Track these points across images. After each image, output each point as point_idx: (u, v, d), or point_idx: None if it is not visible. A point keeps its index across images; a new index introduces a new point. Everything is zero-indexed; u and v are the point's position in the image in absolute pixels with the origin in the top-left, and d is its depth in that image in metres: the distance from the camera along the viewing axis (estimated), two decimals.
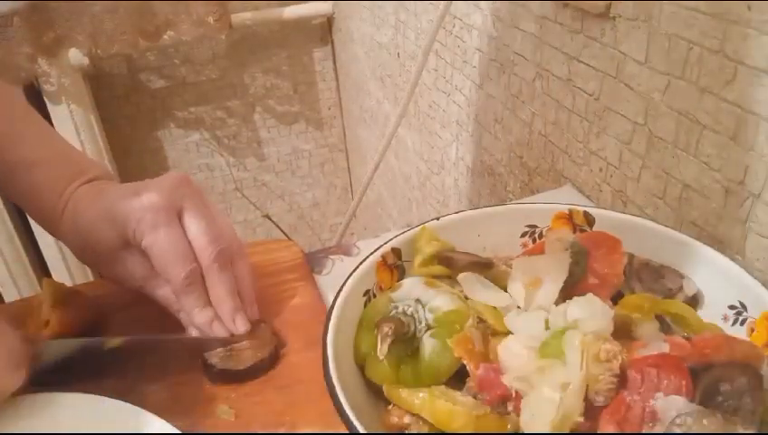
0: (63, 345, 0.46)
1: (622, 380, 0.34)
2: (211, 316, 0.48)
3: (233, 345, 0.48)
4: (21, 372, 0.40)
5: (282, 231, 1.82)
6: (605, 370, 0.34)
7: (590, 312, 0.37)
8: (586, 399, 0.34)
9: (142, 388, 0.47)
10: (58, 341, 0.46)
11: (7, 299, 1.37)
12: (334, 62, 1.69)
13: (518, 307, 0.41)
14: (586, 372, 0.34)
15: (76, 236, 0.50)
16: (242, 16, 1.48)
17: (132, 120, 1.59)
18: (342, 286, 0.42)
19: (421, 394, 0.37)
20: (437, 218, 0.48)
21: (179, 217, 0.48)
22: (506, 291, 0.43)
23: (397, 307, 0.41)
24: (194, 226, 0.47)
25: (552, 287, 0.41)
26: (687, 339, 0.37)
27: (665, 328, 0.40)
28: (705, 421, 0.31)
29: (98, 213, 0.48)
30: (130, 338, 0.48)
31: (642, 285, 0.43)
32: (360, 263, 0.44)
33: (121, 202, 0.47)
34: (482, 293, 0.42)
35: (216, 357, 0.47)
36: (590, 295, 0.39)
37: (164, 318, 0.52)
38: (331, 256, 0.60)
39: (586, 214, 0.48)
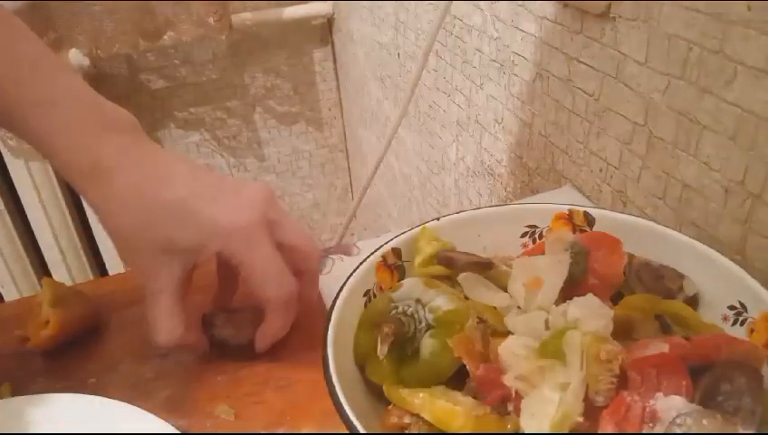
0: None
1: (622, 380, 0.34)
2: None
3: (236, 315, 0.48)
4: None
5: None
6: (605, 370, 0.34)
7: (590, 312, 0.37)
8: (586, 399, 0.34)
9: (142, 388, 0.47)
10: None
11: (7, 299, 1.37)
12: (334, 63, 1.69)
13: (518, 307, 0.41)
14: (586, 372, 0.34)
15: (125, 217, 0.43)
16: (242, 17, 1.48)
17: None
18: (342, 286, 0.42)
19: (421, 394, 0.37)
20: (437, 218, 0.48)
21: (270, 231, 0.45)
22: (506, 291, 0.43)
23: (397, 307, 0.41)
24: (292, 236, 0.46)
25: (552, 287, 0.41)
26: (687, 339, 0.37)
27: (665, 328, 0.40)
28: (704, 422, 0.31)
29: (169, 207, 0.43)
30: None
31: (642, 285, 0.43)
32: (360, 263, 0.44)
33: (208, 210, 0.43)
34: (482, 293, 0.42)
35: (217, 325, 0.48)
36: (589, 295, 0.39)
37: None
38: (331, 256, 0.60)
39: (586, 214, 0.48)
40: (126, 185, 0.42)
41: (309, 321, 0.51)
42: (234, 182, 0.46)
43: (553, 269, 0.42)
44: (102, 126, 0.43)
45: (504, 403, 0.36)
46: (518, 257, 0.46)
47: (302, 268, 0.47)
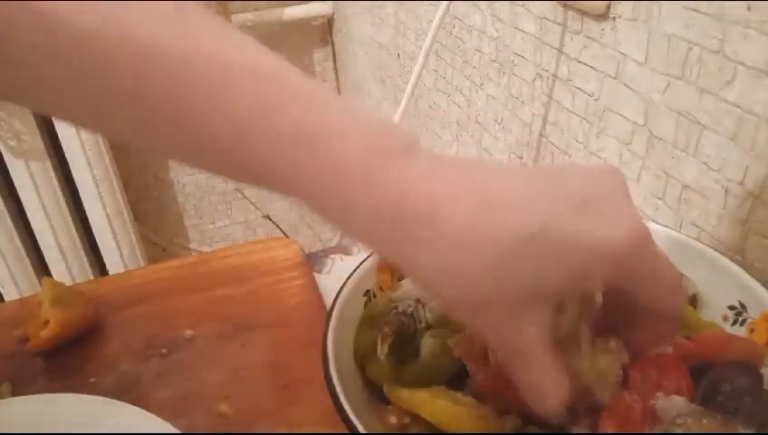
0: None
1: (623, 380, 0.34)
2: None
3: None
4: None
5: (282, 232, 1.82)
6: (614, 360, 0.34)
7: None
8: (589, 395, 0.34)
9: (142, 388, 0.47)
10: None
11: (7, 299, 1.37)
12: (334, 63, 1.69)
13: None
14: (594, 364, 0.34)
15: (455, 262, 0.28)
16: (242, 17, 1.48)
17: None
18: (342, 286, 0.42)
19: (421, 394, 0.37)
20: None
21: None
22: None
23: (397, 307, 0.41)
24: None
25: None
26: (687, 338, 0.37)
27: None
28: (705, 421, 0.31)
29: (515, 238, 0.28)
30: None
31: None
32: (360, 263, 0.44)
33: (575, 226, 0.28)
34: None
35: None
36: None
37: (162, 318, 0.52)
38: (331, 256, 0.60)
39: None
40: (454, 222, 0.28)
41: (309, 320, 0.51)
42: (574, 174, 0.31)
43: None
44: (396, 155, 0.29)
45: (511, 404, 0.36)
46: None
47: None
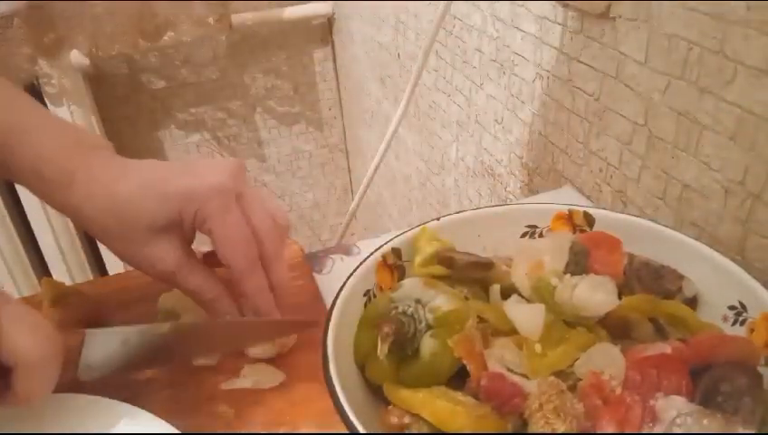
0: (109, 336, 0.45)
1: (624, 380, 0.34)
2: (273, 300, 0.48)
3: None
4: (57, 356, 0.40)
5: None
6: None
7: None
8: (585, 399, 0.34)
9: (142, 388, 0.47)
10: (102, 331, 0.45)
11: None
12: (334, 63, 1.69)
13: (519, 295, 0.42)
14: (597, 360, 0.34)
15: (101, 209, 0.45)
16: (242, 17, 1.48)
17: (133, 120, 1.59)
18: (342, 286, 0.42)
19: (421, 394, 0.37)
20: (437, 218, 0.48)
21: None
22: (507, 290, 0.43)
23: (397, 307, 0.41)
24: (258, 209, 0.47)
25: (555, 266, 0.42)
26: (684, 341, 0.37)
27: (659, 330, 0.40)
28: (705, 421, 0.31)
29: (140, 187, 0.44)
30: (181, 323, 0.49)
31: (642, 285, 0.43)
32: (360, 263, 0.44)
33: (179, 180, 0.45)
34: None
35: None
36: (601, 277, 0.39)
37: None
38: (331, 256, 0.60)
39: (586, 214, 0.48)
40: (100, 186, 0.45)
41: (309, 320, 0.51)
42: (205, 160, 0.48)
43: (554, 250, 0.42)
44: (76, 143, 0.46)
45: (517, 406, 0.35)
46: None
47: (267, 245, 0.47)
